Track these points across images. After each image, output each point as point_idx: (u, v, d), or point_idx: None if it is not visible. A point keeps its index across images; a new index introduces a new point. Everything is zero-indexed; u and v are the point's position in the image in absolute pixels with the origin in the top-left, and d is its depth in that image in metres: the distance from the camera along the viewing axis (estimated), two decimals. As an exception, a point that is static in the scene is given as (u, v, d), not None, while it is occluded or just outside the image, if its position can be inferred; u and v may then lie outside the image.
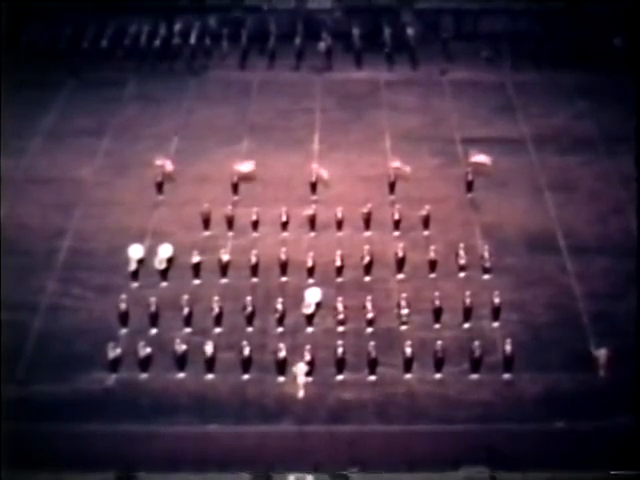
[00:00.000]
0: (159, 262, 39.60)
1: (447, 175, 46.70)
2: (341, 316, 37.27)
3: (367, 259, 40.00)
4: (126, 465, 31.22)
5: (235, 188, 44.68)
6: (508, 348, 35.43)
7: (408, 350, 35.39)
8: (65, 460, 31.53)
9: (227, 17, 60.03)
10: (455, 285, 39.38)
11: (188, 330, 37.19)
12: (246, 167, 44.90)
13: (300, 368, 34.62)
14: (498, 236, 42.46)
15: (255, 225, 42.41)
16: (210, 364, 35.45)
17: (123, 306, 37.26)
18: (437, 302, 37.55)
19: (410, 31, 58.67)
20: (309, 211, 42.82)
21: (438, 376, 35.49)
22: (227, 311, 37.61)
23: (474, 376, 35.49)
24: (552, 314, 38.39)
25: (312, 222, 42.53)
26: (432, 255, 40.03)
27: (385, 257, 40.68)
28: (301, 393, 34.74)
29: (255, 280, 39.75)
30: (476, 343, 35.51)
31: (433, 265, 40.05)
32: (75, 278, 40.24)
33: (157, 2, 59.71)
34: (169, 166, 45.07)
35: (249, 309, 37.32)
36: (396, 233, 42.31)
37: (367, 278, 39.95)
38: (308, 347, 35.35)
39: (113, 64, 56.58)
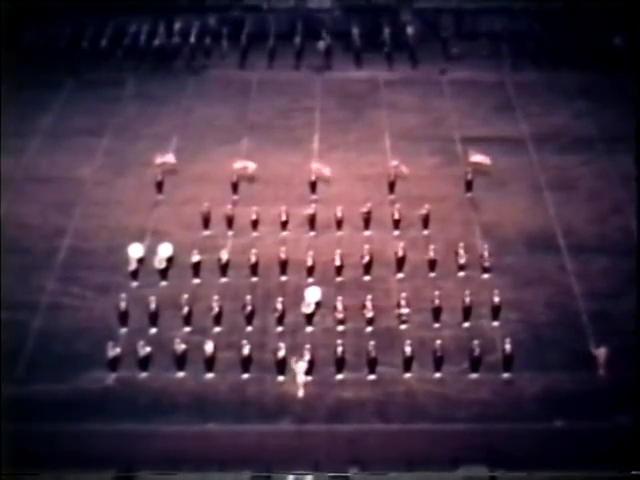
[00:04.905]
0: (159, 261, 39.60)
1: (446, 174, 46.69)
2: (341, 315, 37.27)
3: (367, 258, 39.99)
4: (126, 464, 31.22)
5: (235, 187, 44.69)
6: (508, 347, 35.43)
7: (408, 349, 35.38)
8: (65, 460, 31.48)
9: (227, 16, 60.12)
10: (455, 284, 39.38)
11: (188, 329, 37.20)
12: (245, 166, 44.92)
13: (300, 366, 34.64)
14: (498, 235, 42.48)
15: (255, 224, 42.39)
16: (210, 363, 35.45)
17: (123, 305, 37.28)
18: (437, 301, 37.55)
19: (410, 30, 58.71)
20: (309, 210, 42.86)
21: (438, 375, 35.48)
22: (227, 310, 37.63)
23: (474, 375, 35.48)
24: (552, 313, 38.38)
25: (312, 221, 42.53)
26: (432, 254, 40.03)
27: (385, 256, 40.68)
28: (301, 392, 34.75)
29: (255, 279, 39.76)
30: (476, 342, 35.50)
31: (433, 264, 40.05)
32: (75, 277, 40.25)
33: (157, 2, 59.74)
34: (171, 159, 45.12)
35: (249, 308, 37.32)
36: (396, 232, 42.32)
37: (367, 277, 39.95)
38: (308, 346, 35.37)
39: (112, 64, 56.62)
